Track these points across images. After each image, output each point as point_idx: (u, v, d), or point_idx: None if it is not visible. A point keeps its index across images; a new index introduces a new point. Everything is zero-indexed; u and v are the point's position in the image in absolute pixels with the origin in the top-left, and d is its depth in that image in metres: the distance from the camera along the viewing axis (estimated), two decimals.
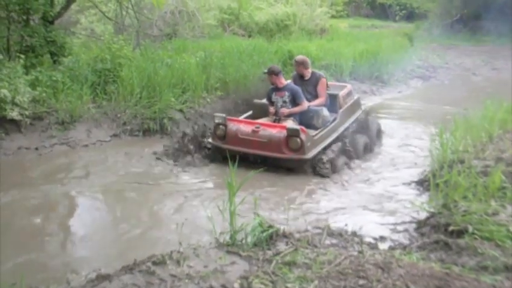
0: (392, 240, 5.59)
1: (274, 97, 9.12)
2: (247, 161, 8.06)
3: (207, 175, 8.18)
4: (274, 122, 8.88)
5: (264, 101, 9.61)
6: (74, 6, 14.34)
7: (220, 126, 8.59)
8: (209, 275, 4.02)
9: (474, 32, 27.08)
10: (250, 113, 9.57)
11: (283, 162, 8.28)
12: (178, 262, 4.21)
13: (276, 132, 8.28)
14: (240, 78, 12.28)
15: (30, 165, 8.34)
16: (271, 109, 9.07)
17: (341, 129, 9.31)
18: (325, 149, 8.56)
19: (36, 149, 8.85)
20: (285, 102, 8.99)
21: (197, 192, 7.37)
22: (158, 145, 9.27)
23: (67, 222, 6.45)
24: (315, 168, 8.30)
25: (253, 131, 8.33)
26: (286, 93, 8.98)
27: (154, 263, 4.19)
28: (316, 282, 3.88)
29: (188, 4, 17.29)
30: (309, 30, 20.79)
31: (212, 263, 4.23)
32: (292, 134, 8.10)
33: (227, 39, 17.06)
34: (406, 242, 5.48)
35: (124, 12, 14.73)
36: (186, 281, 3.94)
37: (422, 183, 7.54)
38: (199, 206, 6.81)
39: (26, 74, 9.51)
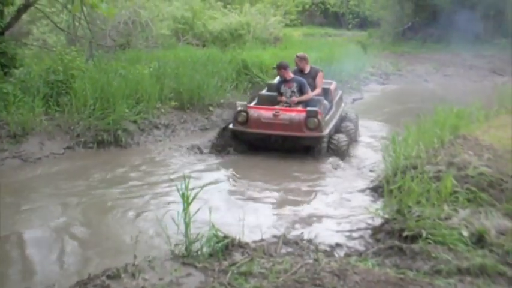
0: (348, 247, 5.63)
1: (283, 88, 10.34)
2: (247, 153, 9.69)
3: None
4: None
5: (264, 91, 11.16)
6: (25, 17, 14.11)
7: (242, 113, 9.67)
8: None
9: (425, 39, 27.55)
10: (255, 102, 10.68)
11: (302, 141, 9.57)
12: (133, 275, 4.18)
13: (295, 114, 9.53)
14: (194, 88, 12.25)
15: None
16: (283, 98, 10.24)
17: (337, 116, 10.73)
18: (332, 132, 10.02)
19: None
20: (293, 92, 10.22)
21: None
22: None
23: (19, 237, 6.32)
24: (329, 148, 9.67)
25: (274, 115, 9.51)
26: (294, 84, 10.23)
27: (108, 277, 4.15)
28: None
29: (141, 14, 17.15)
30: (263, 39, 20.86)
31: (168, 275, 4.22)
32: (311, 115, 9.38)
33: (181, 49, 17.04)
34: (361, 248, 5.54)
35: (76, 23, 14.56)
36: None
37: (377, 190, 7.61)
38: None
39: None
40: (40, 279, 5.24)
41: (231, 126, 9.86)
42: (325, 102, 10.44)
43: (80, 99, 10.22)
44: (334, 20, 39.83)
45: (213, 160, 9.42)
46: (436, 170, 6.77)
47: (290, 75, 10.34)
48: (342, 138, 9.86)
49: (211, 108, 12.44)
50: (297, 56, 11.05)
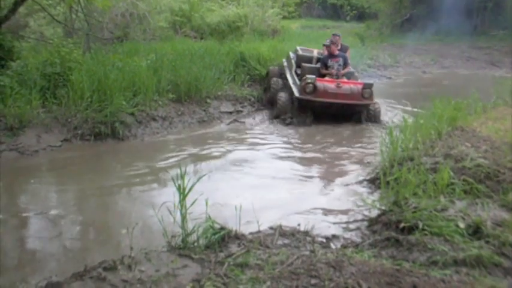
0: (344, 239, 5.61)
1: (330, 62, 12.38)
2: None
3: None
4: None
5: (286, 63, 13.71)
6: (22, 10, 14.10)
7: (310, 84, 11.33)
8: (161, 279, 4.00)
9: (423, 31, 27.52)
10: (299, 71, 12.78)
11: (358, 107, 11.55)
12: (129, 267, 4.17)
13: (353, 86, 11.53)
14: (192, 80, 12.23)
15: None
16: (332, 71, 12.23)
17: None
18: None
19: None
20: (340, 65, 12.34)
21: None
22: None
23: (15, 229, 6.31)
24: (369, 114, 11.71)
25: (337, 86, 11.42)
26: (341, 59, 12.39)
27: (105, 269, 4.14)
28: (268, 283, 3.90)
29: (139, 6, 17.13)
30: (260, 31, 20.83)
31: (164, 266, 4.21)
32: (368, 86, 11.47)
33: (179, 41, 17.01)
34: (358, 240, 5.52)
35: (74, 15, 14.54)
36: (138, 286, 3.91)
37: (374, 181, 7.60)
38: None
39: None
40: (36, 270, 5.23)
41: (297, 95, 11.58)
42: (356, 73, 12.80)
43: (77, 92, 10.19)
44: (332, 12, 39.81)
45: (208, 148, 9.50)
46: (433, 162, 6.77)
47: (337, 51, 12.42)
48: (376, 105, 11.80)
49: (208, 101, 12.43)
50: (333, 35, 13.10)
